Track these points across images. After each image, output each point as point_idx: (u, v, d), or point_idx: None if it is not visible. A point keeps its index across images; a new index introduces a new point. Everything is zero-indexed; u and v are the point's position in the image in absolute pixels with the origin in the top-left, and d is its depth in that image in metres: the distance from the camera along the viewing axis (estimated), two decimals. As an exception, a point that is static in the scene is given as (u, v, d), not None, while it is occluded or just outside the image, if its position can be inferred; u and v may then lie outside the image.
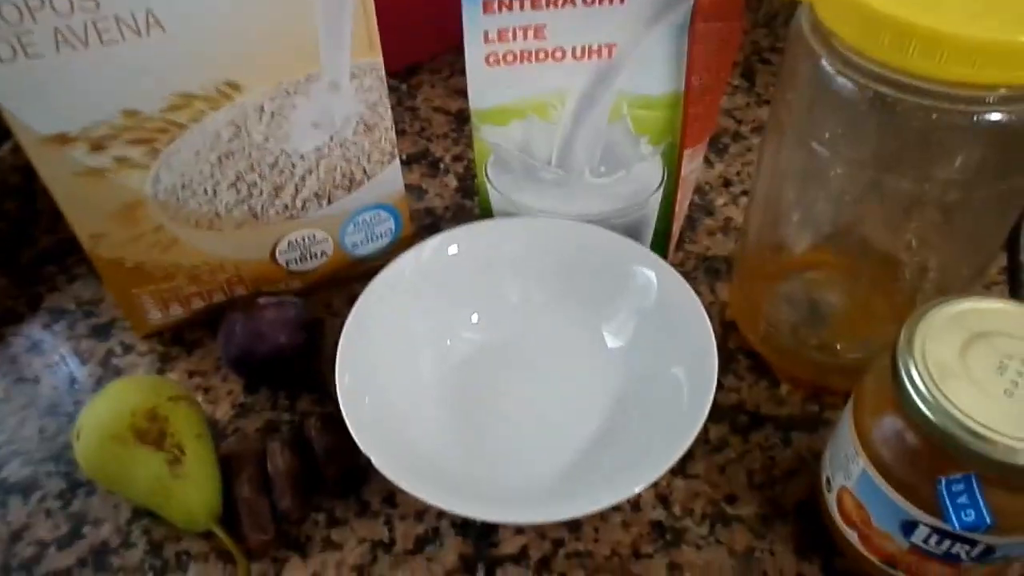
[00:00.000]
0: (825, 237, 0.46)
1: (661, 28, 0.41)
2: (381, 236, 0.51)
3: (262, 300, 0.46)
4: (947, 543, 0.34)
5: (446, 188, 0.59)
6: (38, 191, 0.57)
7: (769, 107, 0.63)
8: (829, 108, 0.37)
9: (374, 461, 0.38)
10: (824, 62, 0.36)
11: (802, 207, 0.43)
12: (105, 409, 0.41)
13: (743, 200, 0.57)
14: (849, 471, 0.37)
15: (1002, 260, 0.51)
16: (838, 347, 0.46)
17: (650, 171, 0.46)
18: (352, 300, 0.52)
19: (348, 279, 0.52)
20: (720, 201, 0.57)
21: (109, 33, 0.37)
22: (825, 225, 0.45)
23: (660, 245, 0.49)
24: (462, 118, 0.65)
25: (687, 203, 0.50)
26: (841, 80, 0.36)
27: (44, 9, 0.35)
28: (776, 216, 0.45)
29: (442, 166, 0.61)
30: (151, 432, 0.40)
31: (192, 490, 0.40)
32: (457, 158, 0.62)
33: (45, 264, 0.56)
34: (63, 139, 0.40)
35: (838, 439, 0.38)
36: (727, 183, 0.59)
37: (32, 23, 0.36)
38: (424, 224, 0.56)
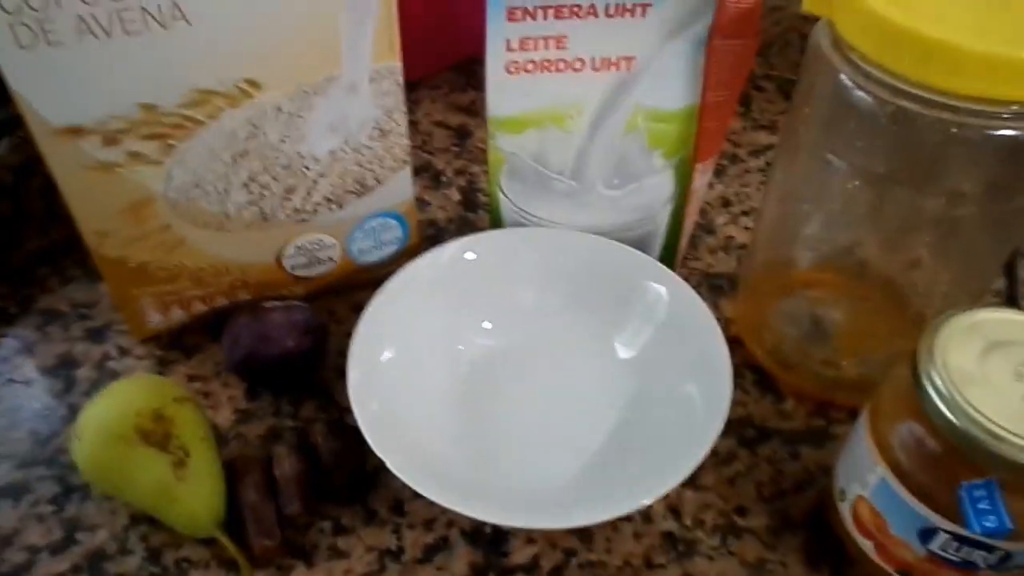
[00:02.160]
0: (831, 256, 0.47)
1: (680, 43, 0.41)
2: (388, 244, 0.51)
3: (268, 304, 0.46)
4: (965, 550, 0.34)
5: (448, 200, 0.59)
6: (31, 191, 0.56)
7: (782, 123, 0.64)
8: (847, 121, 0.38)
9: (387, 462, 0.37)
10: (843, 77, 0.37)
11: (812, 224, 0.44)
12: (109, 409, 0.40)
13: (743, 219, 0.58)
14: (866, 480, 0.37)
15: (999, 282, 0.52)
16: (843, 363, 0.47)
17: (662, 185, 0.46)
18: (356, 308, 0.51)
19: (351, 287, 0.52)
20: (720, 220, 0.58)
21: (133, 24, 0.37)
22: (832, 243, 0.46)
23: (668, 259, 0.50)
24: (463, 132, 0.65)
25: (694, 218, 0.51)
26: (860, 94, 0.37)
27: (70, -4, 0.35)
28: (785, 233, 0.46)
29: (444, 179, 0.61)
30: (156, 433, 0.39)
31: (197, 494, 0.39)
32: (459, 172, 0.62)
33: (38, 266, 0.54)
34: (77, 131, 0.39)
35: (853, 449, 0.38)
36: (727, 203, 0.60)
37: (57, 9, 0.35)
38: (427, 235, 0.56)
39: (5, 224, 0.55)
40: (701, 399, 0.41)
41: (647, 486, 0.37)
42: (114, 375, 0.48)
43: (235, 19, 0.38)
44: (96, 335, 0.50)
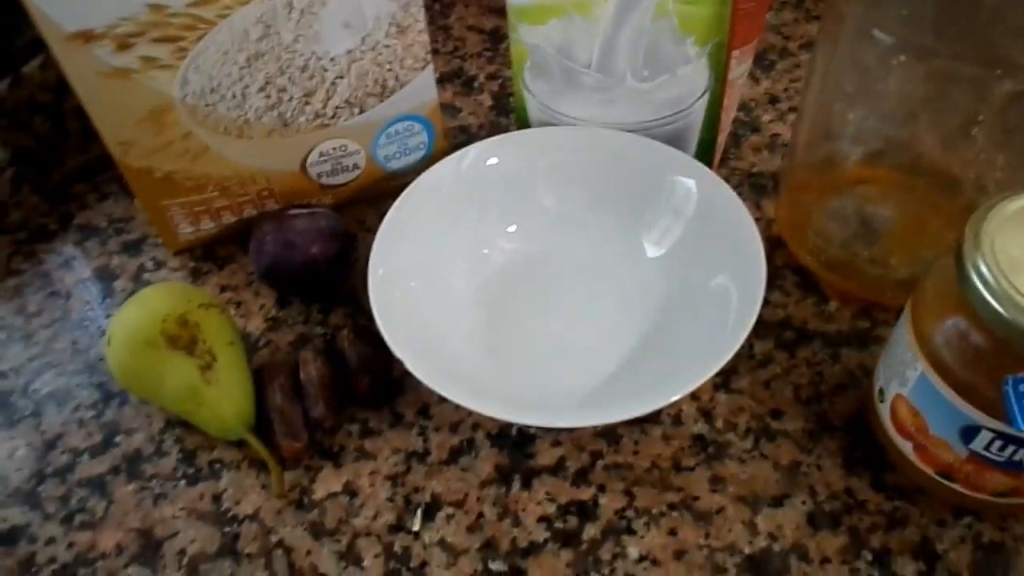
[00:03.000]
0: (879, 149, 0.44)
1: (710, -86, 0.38)
2: (415, 149, 0.50)
3: (293, 211, 0.45)
4: (1010, 449, 0.32)
5: (480, 106, 0.58)
6: (68, 111, 0.56)
7: (821, 9, 0.60)
8: (893, -10, 0.35)
9: (405, 362, 0.37)
10: (888, -61, 0.34)
11: (857, 111, 0.41)
12: (135, 315, 0.40)
13: (791, 117, 0.55)
14: (905, 377, 0.35)
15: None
16: (892, 262, 0.44)
17: (696, 75, 0.43)
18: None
19: (381, 195, 0.51)
20: (766, 118, 0.55)
21: (133, -82, 0.36)
22: (880, 134, 0.43)
23: (705, 155, 0.47)
24: (497, 36, 0.63)
25: (733, 112, 0.48)
26: (907, -43, 0.33)
27: None
28: (828, 125, 0.43)
29: (476, 84, 0.59)
30: (182, 338, 0.39)
31: (224, 396, 0.40)
32: (492, 76, 0.60)
33: (76, 183, 0.55)
34: (88, 36, 0.38)
35: (893, 347, 0.36)
36: (774, 100, 0.56)
37: (54, -94, 0.34)
38: (458, 142, 0.54)
39: (45, 143, 0.55)
40: (735, 296, 0.39)
41: (674, 384, 0.36)
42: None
43: (237, -91, 0.37)
44: (132, 248, 0.51)
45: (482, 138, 0.55)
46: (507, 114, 0.57)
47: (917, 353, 0.34)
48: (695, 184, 0.42)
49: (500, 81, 0.59)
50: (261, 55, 0.42)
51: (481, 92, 0.59)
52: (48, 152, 0.56)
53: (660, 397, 0.36)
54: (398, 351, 0.37)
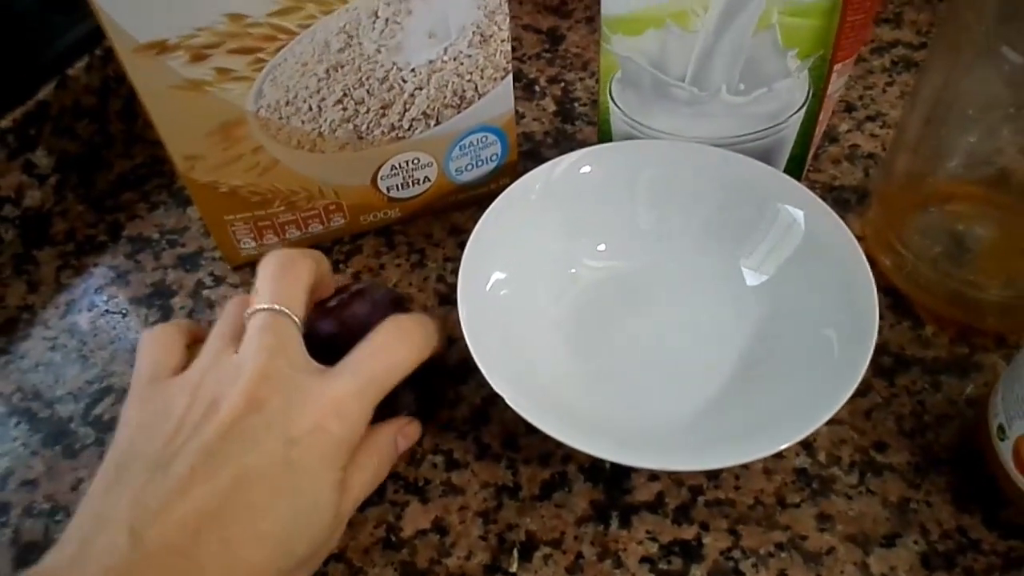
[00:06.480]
0: (986, 167, 0.42)
1: (825, -78, 0.36)
2: (486, 161, 0.47)
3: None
4: None
5: (544, 112, 0.55)
6: (112, 114, 0.54)
7: (937, 21, 0.58)
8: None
9: (507, 399, 0.35)
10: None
11: (972, 134, 0.39)
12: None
13: (868, 126, 0.53)
14: (1037, 418, 0.33)
15: None
16: (989, 286, 0.42)
17: (794, 88, 0.41)
18: (453, 231, 0.49)
19: (447, 208, 0.49)
20: (844, 127, 0.53)
21: (218, -76, 0.33)
22: (993, 155, 0.41)
23: (794, 171, 0.45)
24: (554, 37, 0.60)
25: (824, 127, 0.46)
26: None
27: None
28: (934, 147, 0.41)
29: (537, 88, 0.57)
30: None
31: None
32: (552, 80, 0.57)
33: (123, 190, 0.53)
34: (162, 47, 0.36)
35: (1017, 382, 0.35)
36: (849, 108, 0.54)
37: (136, -89, 0.32)
38: (523, 150, 0.52)
39: (89, 147, 0.53)
40: (839, 333, 0.38)
41: (783, 428, 0.34)
42: (210, 304, 0.46)
43: (327, -87, 0.34)
44: (188, 262, 0.48)
45: (548, 145, 0.53)
46: (572, 120, 0.54)
47: (1054, 394, 0.32)
48: (803, 216, 0.40)
49: (562, 85, 0.57)
50: (341, 66, 0.39)
51: (544, 97, 0.56)
52: (93, 158, 0.53)
53: (768, 443, 0.34)
54: (499, 387, 0.35)
